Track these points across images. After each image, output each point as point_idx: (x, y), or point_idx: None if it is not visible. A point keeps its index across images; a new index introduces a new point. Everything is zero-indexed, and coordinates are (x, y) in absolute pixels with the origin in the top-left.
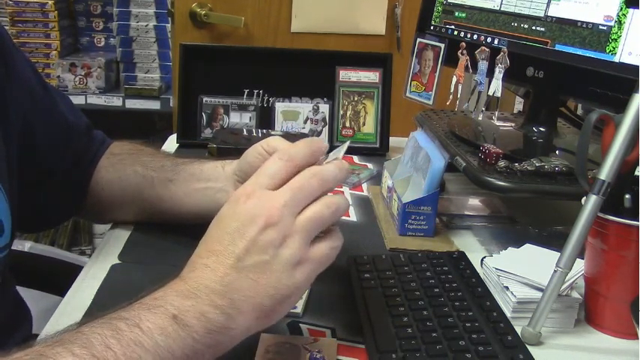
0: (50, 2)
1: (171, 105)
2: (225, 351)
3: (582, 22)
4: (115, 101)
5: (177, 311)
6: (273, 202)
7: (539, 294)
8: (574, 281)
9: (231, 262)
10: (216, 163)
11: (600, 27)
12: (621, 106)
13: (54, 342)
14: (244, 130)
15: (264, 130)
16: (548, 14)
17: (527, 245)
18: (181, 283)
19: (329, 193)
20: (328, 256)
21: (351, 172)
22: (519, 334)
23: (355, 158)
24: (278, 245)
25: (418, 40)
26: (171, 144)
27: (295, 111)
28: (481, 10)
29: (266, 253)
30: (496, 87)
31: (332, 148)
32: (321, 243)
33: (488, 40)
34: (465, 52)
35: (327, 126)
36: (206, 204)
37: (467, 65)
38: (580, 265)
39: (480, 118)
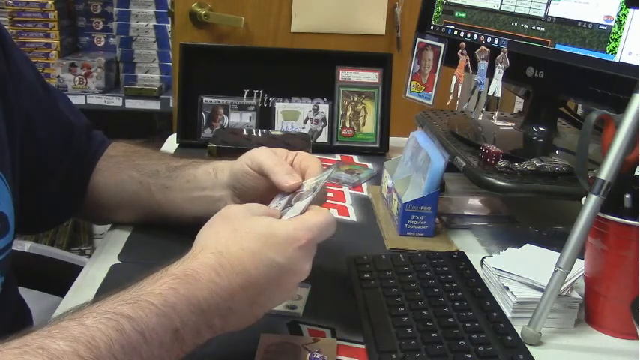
0: (50, 2)
1: (171, 105)
2: None
3: (582, 22)
4: (115, 101)
5: (181, 325)
6: (309, 265)
7: (539, 294)
8: (574, 281)
9: (253, 294)
10: (207, 168)
11: (600, 27)
12: (621, 106)
13: (55, 333)
14: (244, 130)
15: (264, 130)
16: (549, 14)
17: (527, 245)
18: (197, 290)
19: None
20: None
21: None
22: (519, 334)
23: (355, 158)
24: (288, 292)
25: (418, 40)
26: (171, 144)
27: (295, 111)
28: (481, 10)
29: (278, 295)
30: (496, 87)
31: (332, 148)
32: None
33: (488, 40)
34: (465, 52)
35: (327, 126)
36: (205, 211)
37: (467, 65)
38: (580, 265)
39: (480, 118)
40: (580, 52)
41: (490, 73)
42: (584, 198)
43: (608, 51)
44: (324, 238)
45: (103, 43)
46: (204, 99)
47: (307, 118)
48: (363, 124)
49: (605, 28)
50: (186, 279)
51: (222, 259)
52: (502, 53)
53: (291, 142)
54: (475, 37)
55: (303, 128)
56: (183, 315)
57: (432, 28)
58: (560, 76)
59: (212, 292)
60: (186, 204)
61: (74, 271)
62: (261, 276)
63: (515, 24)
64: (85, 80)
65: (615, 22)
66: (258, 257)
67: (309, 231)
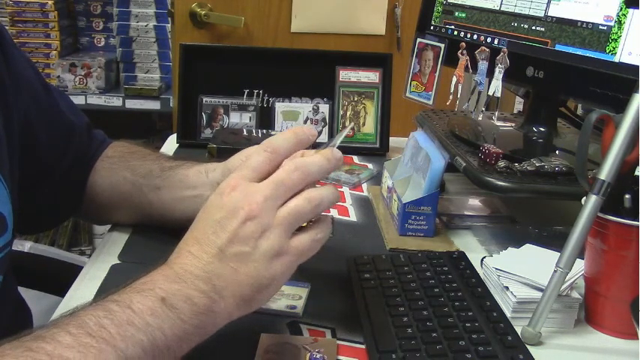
0: (50, 2)
1: (171, 105)
2: (210, 334)
3: (582, 22)
4: (115, 101)
5: (166, 294)
6: (254, 196)
7: (539, 294)
8: (574, 281)
9: (214, 252)
10: (199, 168)
11: (600, 27)
12: (621, 106)
13: (49, 325)
14: (244, 131)
15: (264, 130)
16: (548, 14)
17: (527, 245)
18: (167, 268)
19: (321, 184)
20: (310, 248)
21: (341, 162)
22: (519, 334)
23: (355, 158)
24: (257, 237)
25: (418, 40)
26: (171, 144)
27: (295, 111)
28: (481, 10)
29: (246, 245)
30: (496, 87)
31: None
32: (302, 235)
33: (488, 40)
34: (464, 52)
35: (327, 126)
36: (195, 211)
37: (467, 65)
38: (580, 265)
39: (480, 118)
40: (580, 52)
41: (490, 73)
42: (584, 198)
43: (608, 51)
44: (259, 171)
45: (103, 43)
46: (204, 99)
47: (307, 118)
48: (363, 124)
49: (605, 28)
50: (161, 267)
51: (188, 236)
52: (502, 53)
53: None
54: (475, 37)
55: None
56: (163, 285)
57: (432, 28)
58: (560, 76)
59: (184, 260)
60: (177, 204)
61: (74, 271)
62: (209, 235)
63: (515, 24)
64: (85, 80)
65: (615, 22)
66: (208, 221)
67: (240, 171)
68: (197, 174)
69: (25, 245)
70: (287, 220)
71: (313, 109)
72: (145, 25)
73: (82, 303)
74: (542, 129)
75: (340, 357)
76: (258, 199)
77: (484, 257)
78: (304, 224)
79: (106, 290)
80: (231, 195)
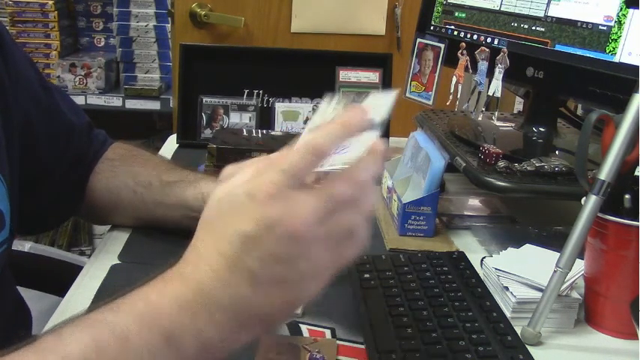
0: (50, 2)
1: (171, 105)
2: None
3: (582, 22)
4: (115, 101)
5: (172, 332)
6: (302, 213)
7: (539, 294)
8: (574, 281)
9: (246, 276)
10: (196, 193)
11: (600, 27)
12: (621, 106)
13: (28, 347)
14: (244, 131)
15: (264, 131)
16: (548, 14)
17: (527, 245)
18: (183, 286)
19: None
20: (346, 263)
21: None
22: (519, 334)
23: None
24: (297, 258)
25: (418, 40)
26: (171, 144)
27: (295, 111)
28: (481, 10)
29: (283, 268)
30: (496, 87)
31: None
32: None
33: (488, 40)
34: (464, 52)
35: None
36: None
37: (467, 65)
38: (580, 265)
39: (480, 118)
40: (580, 52)
41: (490, 73)
42: (584, 198)
43: (608, 51)
44: (300, 178)
45: (103, 44)
46: (204, 99)
47: (307, 118)
48: None
49: (605, 28)
50: (172, 280)
51: (207, 245)
52: (502, 53)
53: (291, 142)
54: (475, 37)
55: (303, 128)
56: (175, 318)
57: (432, 28)
58: (560, 76)
59: (203, 278)
60: (180, 220)
61: (74, 271)
62: (238, 252)
63: (515, 24)
64: (85, 80)
65: (615, 22)
66: (234, 231)
67: (277, 174)
68: (195, 200)
69: (25, 245)
70: (333, 240)
71: (313, 109)
72: (145, 25)
73: (66, 318)
74: (542, 129)
75: (340, 357)
76: (306, 218)
77: (484, 257)
78: None
79: (106, 290)
80: (269, 205)
